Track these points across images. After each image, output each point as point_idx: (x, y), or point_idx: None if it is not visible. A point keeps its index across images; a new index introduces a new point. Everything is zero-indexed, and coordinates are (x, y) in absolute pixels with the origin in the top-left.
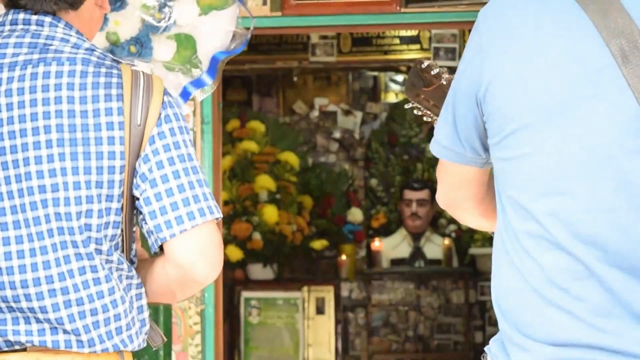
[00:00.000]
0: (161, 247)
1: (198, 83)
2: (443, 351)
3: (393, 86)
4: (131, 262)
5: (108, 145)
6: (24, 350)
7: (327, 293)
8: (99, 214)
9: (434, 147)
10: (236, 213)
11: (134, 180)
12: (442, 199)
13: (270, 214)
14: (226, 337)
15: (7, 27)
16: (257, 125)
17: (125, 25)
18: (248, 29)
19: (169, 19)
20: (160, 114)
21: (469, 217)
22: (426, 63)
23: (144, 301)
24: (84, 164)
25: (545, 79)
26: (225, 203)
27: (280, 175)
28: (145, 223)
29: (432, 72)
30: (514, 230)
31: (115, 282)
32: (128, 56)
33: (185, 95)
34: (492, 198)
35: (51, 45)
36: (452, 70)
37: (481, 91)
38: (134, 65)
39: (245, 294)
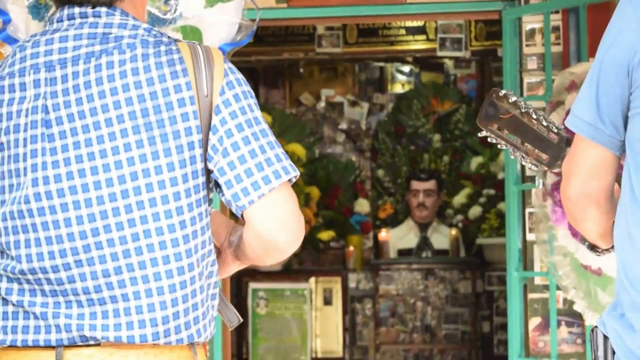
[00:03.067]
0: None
1: None
2: (450, 341)
3: (399, 77)
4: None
5: (183, 122)
6: (98, 345)
7: (335, 284)
8: (187, 193)
9: (573, 122)
10: None
11: (207, 153)
12: (577, 190)
13: None
14: (234, 328)
15: (66, 23)
16: (264, 117)
17: None
18: (254, 20)
19: (175, 11)
20: (223, 82)
21: (595, 218)
22: (503, 92)
23: (217, 289)
24: (162, 146)
25: None
26: None
27: None
28: (223, 194)
29: (510, 101)
30: None
31: (197, 270)
32: None
33: None
34: (615, 198)
35: (110, 33)
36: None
37: (636, 58)
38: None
39: (252, 285)
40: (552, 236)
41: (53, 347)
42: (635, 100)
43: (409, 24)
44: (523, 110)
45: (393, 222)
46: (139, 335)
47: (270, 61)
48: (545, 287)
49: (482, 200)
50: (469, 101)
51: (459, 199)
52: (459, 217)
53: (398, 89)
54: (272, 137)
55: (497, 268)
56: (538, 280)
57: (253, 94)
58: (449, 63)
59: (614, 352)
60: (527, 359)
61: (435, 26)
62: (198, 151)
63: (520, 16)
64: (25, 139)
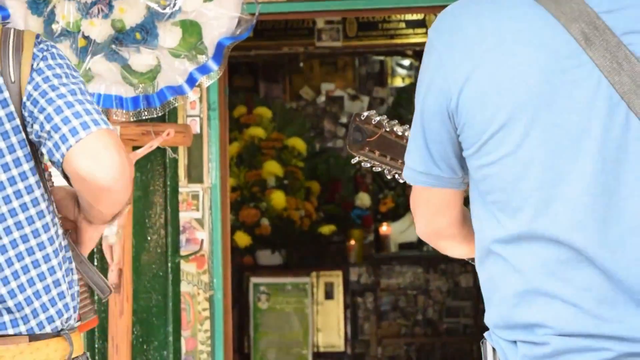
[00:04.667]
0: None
1: (204, 69)
2: (452, 335)
3: (399, 70)
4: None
5: (3, 109)
6: None
7: (336, 278)
8: (22, 177)
9: (409, 175)
10: (244, 199)
11: (27, 127)
12: (424, 230)
13: (278, 199)
14: (235, 323)
15: None
16: (264, 111)
17: (131, 12)
18: (253, 14)
19: (174, 6)
20: (30, 67)
21: (455, 245)
22: (365, 114)
23: (72, 264)
24: None
25: (517, 75)
26: (233, 189)
27: (287, 161)
28: (46, 152)
29: (373, 122)
30: (506, 233)
31: (25, 247)
32: (133, 43)
33: (191, 81)
34: (469, 221)
35: None
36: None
37: (452, 104)
38: (8, 23)
39: (254, 280)
40: None
41: None
42: (464, 141)
43: (409, 17)
44: (388, 129)
45: (394, 216)
46: (9, 320)
47: (270, 55)
48: None
49: None
50: None
51: None
52: None
53: (398, 82)
54: (81, 96)
55: None
56: None
57: (67, 65)
58: None
59: None
60: None
61: (434, 19)
62: (14, 139)
63: None
64: None
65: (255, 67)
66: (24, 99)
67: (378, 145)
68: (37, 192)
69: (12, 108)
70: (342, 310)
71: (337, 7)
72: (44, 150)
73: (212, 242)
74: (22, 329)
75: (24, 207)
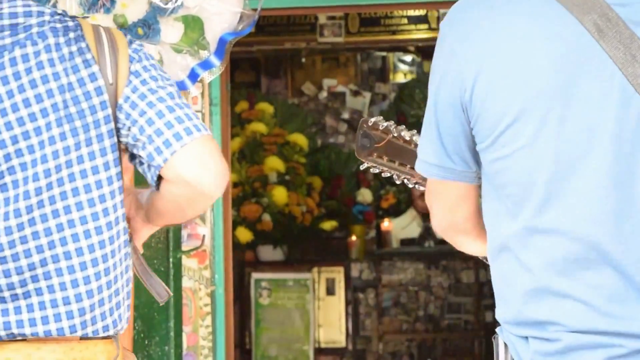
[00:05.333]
0: (159, 178)
1: (206, 64)
2: (453, 331)
3: (402, 66)
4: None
5: (102, 111)
6: (24, 340)
7: (337, 274)
8: (109, 181)
9: (422, 168)
10: (245, 195)
11: (120, 131)
12: (441, 224)
13: (280, 195)
14: (237, 319)
15: None
16: (266, 107)
17: (133, 7)
18: (255, 10)
19: (176, 1)
20: (128, 69)
21: (470, 241)
22: (372, 120)
23: (131, 273)
24: (84, 136)
25: (530, 67)
26: (235, 185)
27: (289, 157)
28: (141, 164)
29: (380, 128)
30: (519, 227)
31: (118, 257)
32: (136, 38)
33: (193, 77)
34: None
35: (17, 23)
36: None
37: (466, 96)
38: (87, 17)
39: (255, 276)
40: None
41: None
42: (478, 134)
43: (411, 13)
44: (395, 134)
45: (396, 211)
46: (68, 326)
47: (272, 51)
48: None
49: None
50: None
51: None
52: None
53: (400, 78)
54: (179, 100)
55: None
56: None
57: (159, 66)
58: None
59: None
60: None
61: (437, 15)
62: (115, 138)
63: None
64: None
65: (257, 63)
66: (120, 101)
67: (386, 150)
68: (118, 198)
69: (109, 111)
70: (343, 306)
71: (340, 2)
72: (142, 153)
73: (214, 238)
74: (79, 333)
75: (105, 212)
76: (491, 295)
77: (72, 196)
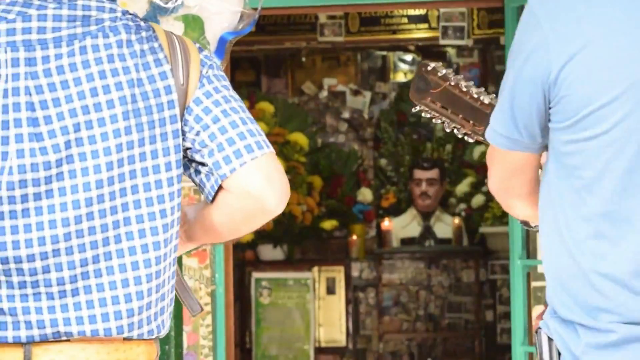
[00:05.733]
0: (216, 192)
1: None
2: (454, 330)
3: (402, 66)
4: None
5: (169, 109)
6: (68, 340)
7: (338, 273)
8: (169, 182)
9: (491, 136)
10: None
11: (188, 134)
12: (497, 186)
13: None
14: (237, 318)
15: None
16: (266, 106)
17: (133, 6)
18: (256, 9)
19: (176, 0)
20: (199, 72)
21: (521, 206)
22: (432, 65)
23: (175, 279)
24: (149, 133)
25: (627, 56)
26: None
27: (289, 156)
28: (198, 173)
29: (439, 74)
30: (584, 214)
31: (168, 260)
32: None
33: None
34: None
35: (90, 15)
36: (462, 50)
37: (551, 76)
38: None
39: (255, 275)
40: None
41: (21, 344)
42: (557, 114)
43: (411, 12)
44: (453, 83)
45: (396, 211)
46: (116, 327)
47: (272, 50)
48: None
49: (485, 189)
50: None
51: (462, 187)
52: (462, 205)
53: (400, 77)
54: (249, 114)
55: (500, 257)
56: (541, 269)
57: (226, 77)
58: (451, 52)
59: (559, 354)
60: (531, 347)
61: (437, 14)
62: (180, 139)
63: (522, 4)
64: (6, 122)
65: (257, 62)
66: (191, 103)
67: (441, 97)
68: (176, 201)
69: (177, 111)
70: (343, 306)
71: (340, 2)
72: (208, 160)
73: None
74: (126, 334)
75: (163, 213)
76: (491, 294)
77: (131, 193)
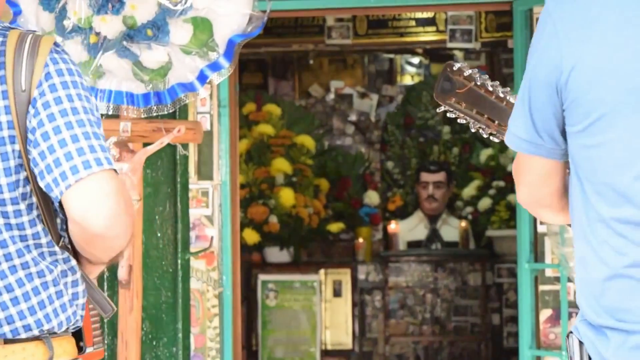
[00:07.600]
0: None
1: (215, 66)
2: (460, 333)
3: (409, 68)
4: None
5: (6, 115)
6: None
7: (344, 276)
8: (10, 187)
9: (511, 140)
10: (252, 196)
11: (27, 148)
12: (526, 198)
13: (287, 197)
14: (244, 320)
15: None
16: (273, 109)
17: (142, 9)
18: (264, 11)
19: (185, 3)
20: (42, 74)
21: (551, 214)
22: (457, 65)
23: (79, 288)
24: None
25: (636, 59)
26: (242, 186)
27: (296, 159)
28: (50, 190)
29: (464, 74)
30: (602, 218)
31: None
32: (145, 40)
33: (202, 78)
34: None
35: None
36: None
37: (562, 78)
38: (29, 30)
39: (262, 277)
40: (563, 227)
41: None
42: (570, 117)
43: (419, 15)
44: (479, 83)
45: (402, 214)
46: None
47: (280, 53)
48: (557, 279)
49: (491, 192)
50: None
51: (469, 190)
52: (469, 209)
53: (407, 80)
54: (90, 128)
55: (507, 260)
56: (549, 272)
57: (79, 84)
58: (458, 55)
59: (590, 358)
60: (538, 350)
61: (445, 17)
62: (9, 147)
63: (531, 7)
64: None
65: (264, 64)
66: (31, 110)
67: (466, 97)
68: (22, 205)
69: (12, 117)
70: (350, 308)
71: (348, 4)
72: (41, 184)
73: (222, 239)
74: None
75: (16, 214)
76: (498, 298)
77: None
